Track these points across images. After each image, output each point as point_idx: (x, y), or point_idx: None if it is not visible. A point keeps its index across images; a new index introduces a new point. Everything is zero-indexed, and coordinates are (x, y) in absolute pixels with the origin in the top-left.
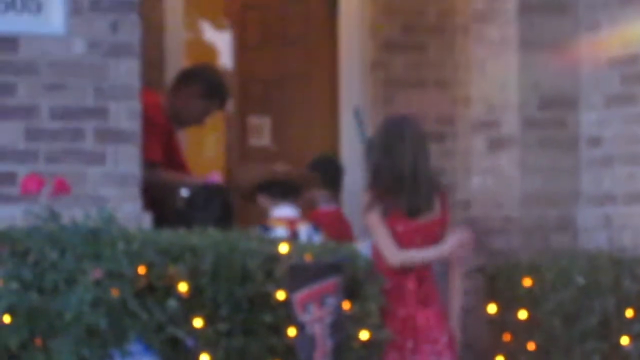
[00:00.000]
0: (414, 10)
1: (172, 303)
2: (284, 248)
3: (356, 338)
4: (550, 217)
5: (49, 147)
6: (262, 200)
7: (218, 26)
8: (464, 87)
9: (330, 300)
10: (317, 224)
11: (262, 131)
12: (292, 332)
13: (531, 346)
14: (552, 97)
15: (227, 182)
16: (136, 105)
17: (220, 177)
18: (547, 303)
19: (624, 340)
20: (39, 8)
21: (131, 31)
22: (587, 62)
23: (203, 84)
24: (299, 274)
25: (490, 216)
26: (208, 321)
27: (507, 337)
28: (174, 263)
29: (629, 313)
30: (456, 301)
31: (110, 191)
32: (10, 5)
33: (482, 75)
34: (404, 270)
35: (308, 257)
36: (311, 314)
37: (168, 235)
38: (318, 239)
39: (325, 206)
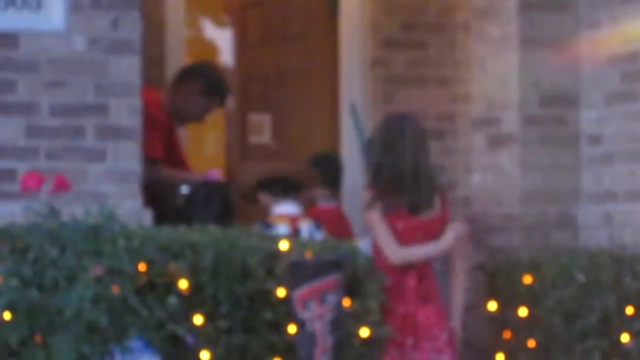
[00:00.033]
0: (414, 8)
1: (172, 300)
2: (284, 245)
3: (356, 335)
4: (551, 215)
5: (50, 144)
6: (263, 198)
7: (219, 23)
8: (465, 84)
9: (331, 298)
10: (317, 222)
11: (262, 129)
12: (292, 329)
13: (531, 343)
14: (553, 95)
15: (228, 179)
16: (137, 102)
17: (219, 174)
18: (547, 300)
19: (625, 338)
20: (39, 5)
21: (132, 28)
22: (587, 60)
23: (203, 81)
24: (299, 271)
25: (490, 213)
26: (208, 318)
27: (507, 334)
28: (175, 260)
29: (630, 310)
30: (459, 298)
31: (110, 188)
32: (11, 2)
33: (482, 72)
34: (405, 268)
35: (308, 254)
36: (311, 311)
37: (168, 232)
38: (319, 236)
39: (324, 204)
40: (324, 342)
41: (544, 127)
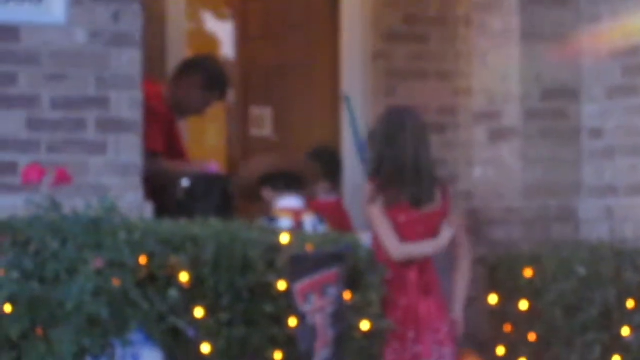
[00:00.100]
0: (415, 1)
1: (173, 293)
2: (285, 238)
3: (357, 328)
4: (552, 208)
5: (51, 137)
6: (266, 193)
7: (220, 16)
8: (466, 78)
9: (332, 290)
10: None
11: (263, 121)
12: (293, 322)
13: (532, 337)
14: (554, 89)
15: (229, 172)
16: (138, 95)
17: (218, 166)
18: (548, 294)
19: (625, 331)
20: None
21: (133, 21)
22: (588, 54)
23: (204, 74)
24: (300, 264)
25: (491, 207)
26: (209, 311)
27: (508, 327)
28: (175, 253)
29: (630, 304)
30: (461, 291)
31: (111, 181)
32: None
33: (483, 66)
34: (405, 261)
35: (309, 247)
36: (312, 304)
37: (169, 225)
38: (323, 229)
39: (325, 197)
40: (325, 335)
41: (545, 121)
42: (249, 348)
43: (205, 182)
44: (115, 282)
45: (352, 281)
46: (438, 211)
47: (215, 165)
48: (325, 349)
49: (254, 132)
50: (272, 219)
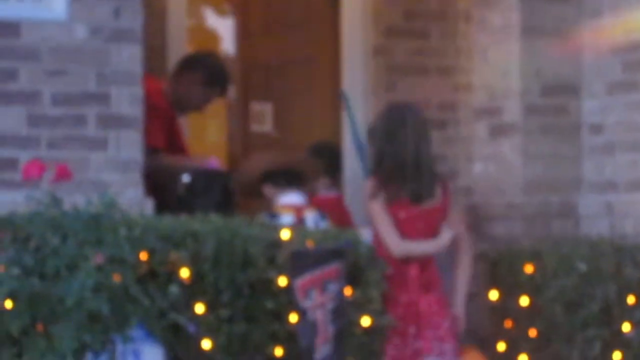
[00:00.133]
0: None
1: (173, 289)
2: (285, 234)
3: (358, 324)
4: (552, 204)
5: (51, 133)
6: (267, 190)
7: (220, 12)
8: (466, 74)
9: (332, 286)
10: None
11: (264, 117)
12: (293, 318)
13: (532, 333)
14: (554, 84)
15: (229, 168)
16: (138, 91)
17: (218, 162)
18: (548, 290)
19: (626, 327)
20: None
21: (133, 17)
22: (589, 50)
23: (205, 71)
24: (300, 260)
25: (492, 203)
26: (210, 307)
27: (508, 323)
28: (176, 249)
29: (631, 300)
30: (463, 287)
31: (112, 177)
32: None
33: (484, 62)
34: (406, 257)
35: (310, 243)
36: (313, 300)
37: (170, 221)
38: (324, 225)
39: (325, 193)
40: (326, 331)
41: (545, 117)
42: (250, 344)
43: (205, 178)
44: (116, 278)
45: (353, 277)
46: (438, 207)
47: (215, 161)
48: (326, 344)
49: (255, 128)
50: (274, 215)
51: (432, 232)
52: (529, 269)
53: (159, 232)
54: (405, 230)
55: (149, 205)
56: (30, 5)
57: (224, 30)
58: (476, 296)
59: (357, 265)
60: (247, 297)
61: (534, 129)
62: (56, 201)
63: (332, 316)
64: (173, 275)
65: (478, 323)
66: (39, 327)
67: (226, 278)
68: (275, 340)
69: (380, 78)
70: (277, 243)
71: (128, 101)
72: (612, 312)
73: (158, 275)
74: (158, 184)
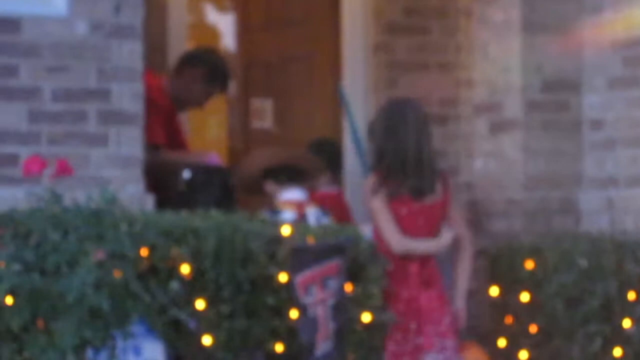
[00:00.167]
0: None
1: (174, 285)
2: (286, 230)
3: (358, 320)
4: (553, 200)
5: (52, 129)
6: (269, 186)
7: (221, 8)
8: (467, 69)
9: (333, 283)
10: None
11: (264, 114)
12: (294, 314)
13: (533, 329)
14: (555, 80)
15: (230, 164)
16: (139, 87)
17: (218, 158)
18: (549, 286)
19: (626, 323)
20: None
21: (134, 13)
22: (590, 45)
23: (205, 67)
24: (301, 256)
25: (492, 199)
26: (210, 303)
27: (509, 319)
28: (177, 245)
29: (631, 296)
30: (464, 283)
31: (112, 173)
32: None
33: (484, 58)
34: (407, 254)
35: (310, 239)
36: (313, 296)
37: (170, 217)
38: (326, 221)
39: (325, 189)
40: (326, 327)
41: (546, 113)
42: (250, 340)
43: (205, 174)
44: (117, 274)
45: (354, 273)
46: (439, 202)
47: (215, 157)
48: (327, 341)
49: (255, 124)
50: (275, 211)
51: (432, 228)
52: (529, 264)
53: (159, 228)
54: (406, 227)
55: (149, 201)
56: (30, 1)
57: (224, 26)
58: (477, 292)
59: (358, 262)
60: (247, 293)
61: (534, 125)
62: (57, 197)
63: (332, 312)
64: (174, 271)
65: (478, 319)
66: (40, 323)
67: (227, 274)
68: (276, 336)
69: (380, 74)
70: (278, 239)
71: (129, 97)
72: (613, 308)
73: (159, 271)
74: (159, 180)
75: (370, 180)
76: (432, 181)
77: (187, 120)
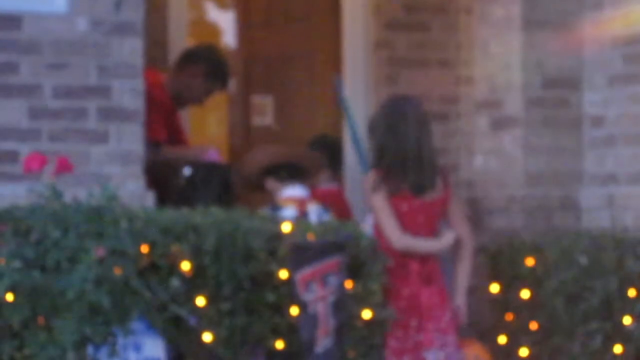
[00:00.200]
0: None
1: (174, 282)
2: (286, 227)
3: (359, 317)
4: (553, 197)
5: (52, 126)
6: (270, 183)
7: (221, 5)
8: (467, 66)
9: (333, 279)
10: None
11: (265, 111)
12: (294, 311)
13: (533, 326)
14: (556, 77)
15: (230, 161)
16: (139, 84)
17: (217, 155)
18: (549, 283)
19: (627, 320)
20: None
21: (135, 10)
22: (590, 42)
23: (206, 64)
24: (301, 253)
25: (493, 196)
26: (211, 300)
27: (509, 316)
28: (177, 242)
29: (632, 293)
30: (464, 280)
31: (113, 170)
32: None
33: (485, 54)
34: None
35: (311, 236)
36: (314, 293)
37: (171, 214)
38: (327, 218)
39: (325, 185)
40: (326, 324)
41: (546, 110)
42: (251, 337)
43: (204, 171)
44: (117, 271)
45: (354, 270)
46: (439, 199)
47: (215, 153)
48: (327, 338)
49: (256, 121)
50: (277, 208)
51: (432, 224)
52: (530, 262)
53: (160, 225)
54: (406, 223)
55: (150, 198)
56: None
57: (225, 23)
58: (477, 289)
59: (358, 258)
60: (248, 290)
61: (535, 122)
62: (57, 194)
63: (333, 309)
64: (174, 268)
65: (479, 316)
66: (40, 320)
67: (227, 271)
68: (276, 333)
69: (381, 71)
70: (278, 236)
71: (129, 94)
72: (613, 306)
73: (159, 268)
74: (159, 177)
75: (371, 177)
76: (432, 178)
77: (188, 117)
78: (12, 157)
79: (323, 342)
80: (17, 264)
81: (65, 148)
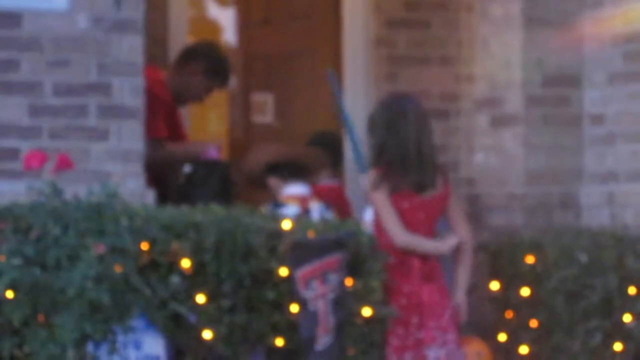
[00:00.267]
0: None
1: (175, 279)
2: (287, 224)
3: (359, 315)
4: (554, 195)
5: (53, 123)
6: (273, 181)
7: (222, 3)
8: (468, 64)
9: (333, 277)
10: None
11: (265, 108)
12: (294, 308)
13: (533, 324)
14: (556, 75)
15: (230, 158)
16: (139, 81)
17: (217, 152)
18: (549, 281)
19: (627, 318)
20: None
21: (135, 7)
22: (590, 40)
23: (206, 61)
24: (301, 251)
25: (493, 193)
26: (211, 297)
27: (509, 314)
28: (177, 239)
29: (632, 291)
30: (464, 278)
31: (113, 167)
32: None
33: (485, 52)
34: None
35: (311, 234)
36: (314, 291)
37: (171, 212)
38: (329, 216)
39: (325, 181)
40: (327, 322)
41: (547, 107)
42: (251, 334)
43: (204, 169)
44: (117, 269)
45: (354, 268)
46: (439, 197)
47: (215, 151)
48: (327, 335)
49: (256, 118)
50: (279, 205)
51: (432, 222)
52: (529, 259)
53: (160, 223)
54: (407, 220)
55: (150, 196)
56: None
57: (225, 20)
58: (477, 287)
59: (358, 256)
60: (248, 287)
61: (535, 120)
62: (57, 191)
63: (333, 307)
64: (174, 266)
65: (479, 314)
66: (40, 317)
67: (227, 268)
68: (276, 330)
69: (381, 69)
70: (279, 233)
71: (129, 92)
72: (613, 303)
73: (159, 266)
74: (160, 175)
75: (372, 174)
76: (432, 175)
77: (188, 114)
78: (13, 154)
79: (323, 340)
80: (17, 261)
81: (65, 145)
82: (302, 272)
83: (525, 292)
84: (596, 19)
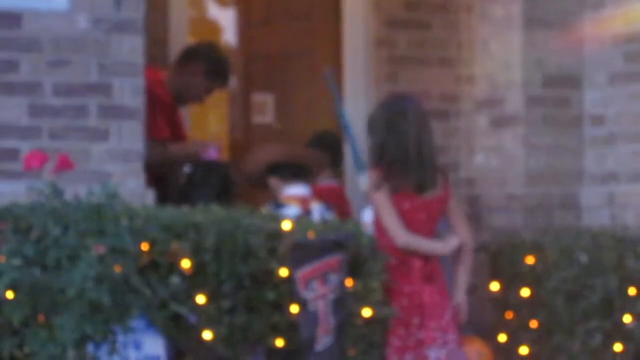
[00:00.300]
0: None
1: (175, 280)
2: (287, 225)
3: (359, 315)
4: (554, 195)
5: (53, 124)
6: (273, 182)
7: (222, 3)
8: (468, 65)
9: (333, 277)
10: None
11: (265, 108)
12: (294, 309)
13: (533, 324)
14: (556, 76)
15: (230, 159)
16: (140, 82)
17: (217, 152)
18: (549, 281)
19: (627, 319)
20: None
21: (135, 8)
22: (590, 41)
23: (206, 62)
24: (302, 251)
25: (493, 194)
26: (211, 298)
27: (509, 315)
28: (177, 240)
29: (632, 291)
30: (464, 278)
31: (113, 167)
32: None
33: (485, 53)
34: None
35: (311, 234)
36: (314, 291)
37: (171, 212)
38: (330, 217)
39: (326, 181)
40: (327, 322)
41: (547, 108)
42: (251, 335)
43: (204, 169)
44: (117, 269)
45: (354, 268)
46: (440, 197)
47: (214, 151)
48: (327, 335)
49: (256, 119)
50: (280, 206)
51: (432, 222)
52: (530, 260)
53: (160, 223)
54: (408, 221)
55: (150, 196)
56: None
57: (225, 21)
58: (477, 287)
59: (359, 257)
60: (248, 288)
61: (535, 120)
62: (57, 192)
63: (333, 307)
64: (174, 266)
65: (479, 314)
66: (40, 317)
67: (227, 269)
68: (276, 331)
69: (381, 70)
70: (279, 234)
71: (130, 92)
72: (613, 304)
73: (159, 266)
74: (160, 176)
75: (373, 175)
76: (433, 176)
77: (188, 115)
78: (13, 154)
79: (323, 340)
80: (17, 261)
81: (65, 146)
82: (302, 272)
83: (525, 292)
84: (597, 19)
